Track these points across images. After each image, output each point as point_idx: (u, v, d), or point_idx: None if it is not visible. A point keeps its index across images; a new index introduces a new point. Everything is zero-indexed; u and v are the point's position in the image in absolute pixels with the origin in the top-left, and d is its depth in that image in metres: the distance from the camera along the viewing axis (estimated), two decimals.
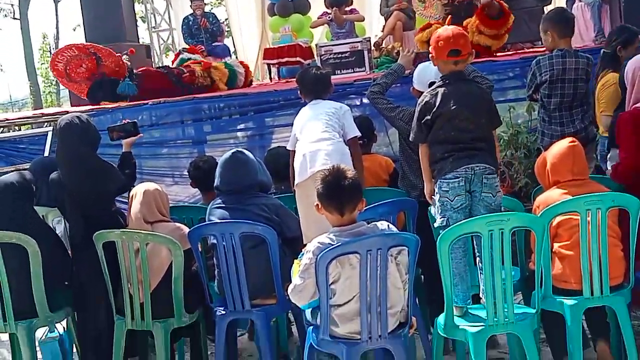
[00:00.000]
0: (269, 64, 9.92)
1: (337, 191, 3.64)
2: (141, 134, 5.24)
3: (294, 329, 5.22)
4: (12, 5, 25.25)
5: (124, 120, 5.24)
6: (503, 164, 5.94)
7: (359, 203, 3.68)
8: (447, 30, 4.25)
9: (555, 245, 4.16)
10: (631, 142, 4.59)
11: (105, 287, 4.67)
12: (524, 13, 8.65)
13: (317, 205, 3.71)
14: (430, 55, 4.27)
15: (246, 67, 9.01)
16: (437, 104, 4.11)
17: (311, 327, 3.91)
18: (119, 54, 8.38)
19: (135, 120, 5.25)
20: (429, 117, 4.14)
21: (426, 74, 4.81)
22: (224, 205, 4.64)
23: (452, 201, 4.08)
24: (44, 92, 27.37)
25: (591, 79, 5.21)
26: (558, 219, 4.12)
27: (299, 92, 5.16)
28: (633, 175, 4.54)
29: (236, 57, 12.34)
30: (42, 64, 27.65)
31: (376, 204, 4.48)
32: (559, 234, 4.17)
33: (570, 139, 4.36)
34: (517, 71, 6.70)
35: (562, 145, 4.31)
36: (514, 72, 6.75)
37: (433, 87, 4.23)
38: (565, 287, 4.11)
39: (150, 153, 7.32)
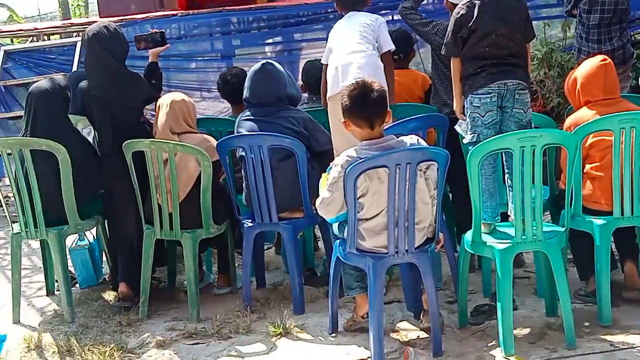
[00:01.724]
0: None
1: (365, 104, 3.59)
2: (168, 45, 5.18)
3: (320, 243, 5.25)
4: None
5: (151, 30, 5.17)
6: (536, 83, 5.84)
7: (386, 115, 3.64)
8: None
9: (587, 166, 4.11)
10: None
11: (134, 196, 4.71)
12: None
13: (345, 122, 3.67)
14: None
15: None
16: (474, 17, 4.02)
17: (338, 241, 3.93)
18: None
19: (163, 30, 5.18)
20: (465, 31, 4.06)
21: None
22: (252, 117, 4.61)
23: (483, 117, 4.03)
24: (72, 5, 27.16)
25: None
26: (590, 139, 4.06)
27: (335, 3, 5.03)
28: None
29: None
30: None
31: (407, 118, 4.44)
32: (590, 155, 4.11)
33: (602, 56, 4.23)
34: None
35: (593, 63, 4.20)
36: None
37: None
38: (595, 208, 4.08)
39: (178, 66, 7.28)
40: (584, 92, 4.17)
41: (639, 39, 6.10)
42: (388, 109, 3.66)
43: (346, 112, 3.64)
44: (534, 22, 4.41)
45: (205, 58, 7.36)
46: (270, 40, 7.40)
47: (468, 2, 4.09)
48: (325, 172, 3.84)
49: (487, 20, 4.01)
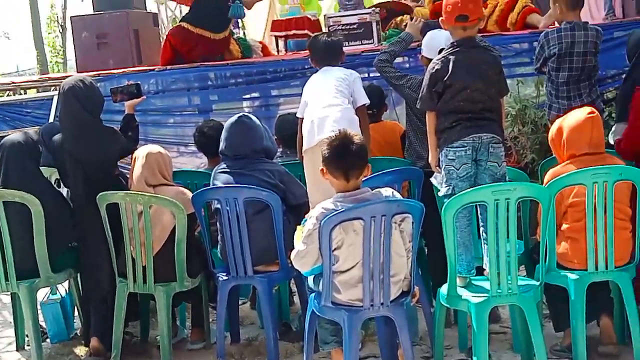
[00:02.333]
0: (276, 37, 9.82)
1: (343, 156, 3.60)
2: (144, 96, 5.21)
3: (296, 298, 5.21)
4: None
5: (127, 82, 5.21)
6: (509, 139, 5.88)
7: (365, 169, 3.65)
8: None
9: (564, 225, 4.12)
10: (633, 122, 4.52)
11: (107, 249, 4.67)
12: None
13: (323, 170, 3.68)
14: (440, 20, 4.22)
15: (264, 46, 8.87)
16: (449, 73, 4.07)
17: (313, 294, 3.90)
18: None
19: (139, 82, 5.22)
20: (440, 85, 4.10)
21: (436, 41, 4.74)
22: (228, 170, 4.62)
23: (458, 170, 4.06)
24: (51, 62, 27.26)
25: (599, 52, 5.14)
26: (571, 199, 4.07)
27: (310, 59, 5.10)
28: (634, 154, 4.49)
29: (244, 30, 12.25)
30: (49, 33, 27.60)
31: (382, 172, 4.46)
32: (568, 215, 4.12)
33: (589, 109, 4.22)
34: (526, 46, 6.63)
35: (580, 115, 4.16)
36: (523, 46, 6.68)
37: (443, 53, 4.17)
38: (569, 267, 4.09)
39: (156, 122, 7.27)
40: (570, 144, 4.15)
41: (610, 97, 6.19)
42: (367, 163, 3.67)
43: (324, 160, 3.66)
44: (508, 80, 4.48)
45: (183, 113, 7.36)
46: (247, 96, 7.43)
47: (443, 57, 4.15)
48: (300, 224, 3.83)
49: (461, 76, 4.06)
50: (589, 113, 4.17)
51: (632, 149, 4.50)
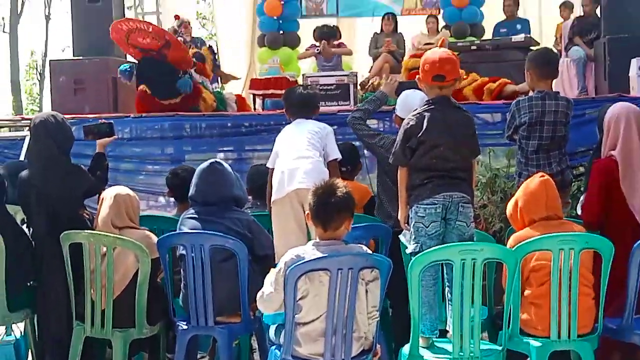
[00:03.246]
0: (254, 95, 9.90)
1: (323, 206, 3.61)
2: (116, 136, 5.20)
3: (256, 356, 5.12)
4: (2, 18, 25.20)
5: (100, 121, 5.19)
6: (479, 207, 5.92)
7: (346, 221, 3.64)
8: (435, 53, 4.24)
9: (527, 291, 4.12)
10: (595, 189, 4.57)
11: (67, 290, 4.58)
12: (510, 65, 8.70)
13: (308, 214, 3.70)
14: (417, 78, 4.27)
15: (240, 98, 8.92)
16: (423, 129, 4.10)
17: (274, 347, 3.84)
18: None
19: (112, 121, 5.21)
20: (414, 141, 4.13)
21: (410, 101, 4.82)
22: (196, 216, 4.58)
23: (427, 227, 4.06)
24: (26, 109, 27.24)
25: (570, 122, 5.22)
26: (533, 262, 4.09)
27: (284, 110, 5.13)
28: (597, 224, 4.55)
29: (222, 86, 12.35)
30: (27, 80, 27.63)
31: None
32: (530, 280, 4.13)
33: (540, 174, 4.33)
34: (499, 117, 6.75)
35: (533, 181, 4.26)
36: (496, 117, 6.79)
37: (418, 110, 4.21)
38: (532, 333, 4.08)
39: (128, 169, 7.25)
40: (526, 210, 4.21)
41: (582, 170, 6.26)
42: (350, 216, 3.66)
43: (309, 207, 3.68)
44: (481, 148, 4.53)
45: (156, 161, 7.37)
46: (221, 148, 7.46)
47: (418, 113, 4.18)
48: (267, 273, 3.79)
49: (435, 133, 4.09)
50: (541, 176, 4.24)
51: (590, 218, 4.55)
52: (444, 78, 4.13)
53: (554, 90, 5.32)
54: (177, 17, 9.88)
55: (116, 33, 7.75)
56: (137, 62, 7.93)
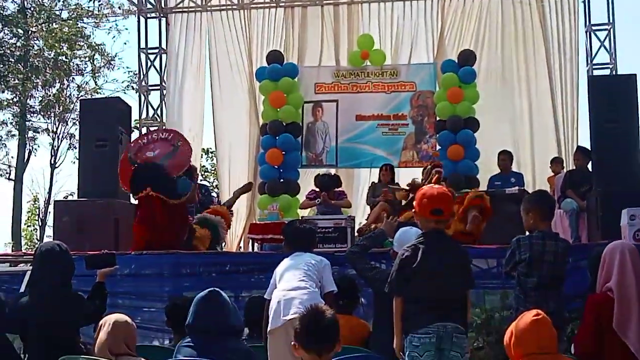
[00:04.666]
0: (253, 239, 10.04)
1: (314, 332, 3.53)
2: (117, 266, 5.28)
3: None
4: (9, 166, 25.75)
5: (102, 251, 5.31)
6: (474, 348, 5.93)
7: (337, 344, 3.58)
8: (433, 188, 4.44)
9: None
10: (589, 322, 4.63)
11: None
12: (504, 217, 8.85)
13: (294, 345, 3.58)
14: (413, 210, 4.42)
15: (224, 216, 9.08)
16: (418, 260, 4.21)
17: None
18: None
19: (114, 252, 5.32)
20: (408, 272, 4.23)
21: (407, 236, 4.94)
22: (192, 344, 4.57)
23: (421, 357, 4.09)
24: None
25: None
26: None
27: (283, 244, 5.25)
28: (587, 355, 4.56)
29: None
30: (28, 226, 27.85)
31: (344, 357, 4.44)
32: None
33: (535, 311, 4.37)
34: (494, 260, 6.83)
35: (527, 317, 4.27)
36: (490, 260, 6.87)
37: (414, 241, 4.35)
38: None
39: (126, 305, 7.27)
40: (518, 345, 4.22)
41: (574, 316, 6.31)
42: (339, 339, 3.59)
43: (296, 336, 3.58)
44: (473, 291, 4.62)
45: (154, 299, 7.39)
46: (219, 286, 7.50)
47: (413, 245, 4.32)
48: None
49: (430, 264, 4.20)
50: (535, 315, 4.26)
51: (583, 350, 4.59)
52: (442, 212, 4.30)
53: None
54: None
55: (124, 156, 8.18)
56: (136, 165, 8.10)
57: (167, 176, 7.68)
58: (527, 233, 5.35)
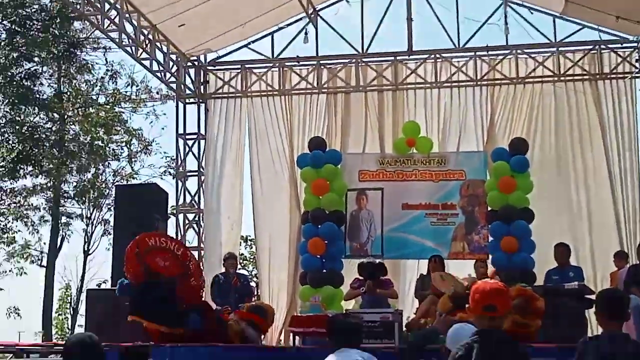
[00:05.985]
0: (294, 332, 9.55)
1: None
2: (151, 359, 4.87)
3: None
4: (41, 252, 25.48)
5: (136, 342, 4.91)
6: None
7: None
8: (486, 284, 4.14)
9: None
10: None
11: None
12: (563, 313, 8.37)
13: None
14: (467, 307, 4.19)
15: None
16: None
17: None
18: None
19: (148, 344, 4.92)
20: None
21: (461, 333, 4.66)
22: None
23: None
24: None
25: None
26: None
27: (327, 338, 5.03)
28: None
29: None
30: (59, 314, 27.45)
31: None
32: None
33: None
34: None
35: None
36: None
37: (468, 339, 4.01)
38: None
39: None
40: None
41: None
42: None
43: None
44: None
45: None
46: None
47: (467, 344, 3.98)
48: None
49: None
50: None
51: None
52: (495, 309, 4.00)
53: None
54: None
55: (134, 245, 7.53)
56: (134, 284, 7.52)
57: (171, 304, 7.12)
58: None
